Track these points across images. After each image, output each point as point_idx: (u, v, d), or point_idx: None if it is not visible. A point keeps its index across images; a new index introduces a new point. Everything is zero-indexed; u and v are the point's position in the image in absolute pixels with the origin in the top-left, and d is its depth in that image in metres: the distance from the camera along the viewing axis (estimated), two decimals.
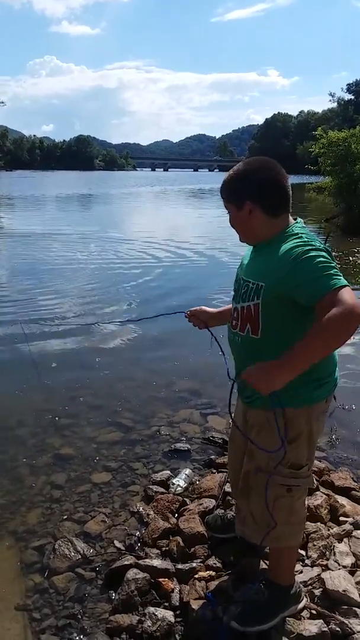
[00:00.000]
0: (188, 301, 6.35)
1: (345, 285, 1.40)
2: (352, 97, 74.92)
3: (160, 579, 2.06)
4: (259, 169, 1.67)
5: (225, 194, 1.73)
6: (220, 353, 2.00)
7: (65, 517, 2.54)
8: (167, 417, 3.60)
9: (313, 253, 1.48)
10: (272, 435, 1.67)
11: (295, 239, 1.57)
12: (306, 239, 1.56)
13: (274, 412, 1.65)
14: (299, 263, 1.48)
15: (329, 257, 1.49)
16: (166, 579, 2.07)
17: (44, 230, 14.08)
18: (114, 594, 2.04)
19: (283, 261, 1.53)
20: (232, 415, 1.95)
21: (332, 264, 1.46)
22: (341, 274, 1.44)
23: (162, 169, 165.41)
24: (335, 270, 1.45)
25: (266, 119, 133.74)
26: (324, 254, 1.49)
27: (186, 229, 15.69)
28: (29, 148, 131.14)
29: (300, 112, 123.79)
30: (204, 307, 2.14)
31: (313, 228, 15.49)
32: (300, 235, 1.59)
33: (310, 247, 1.50)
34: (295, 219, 1.70)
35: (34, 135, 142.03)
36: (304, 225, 1.69)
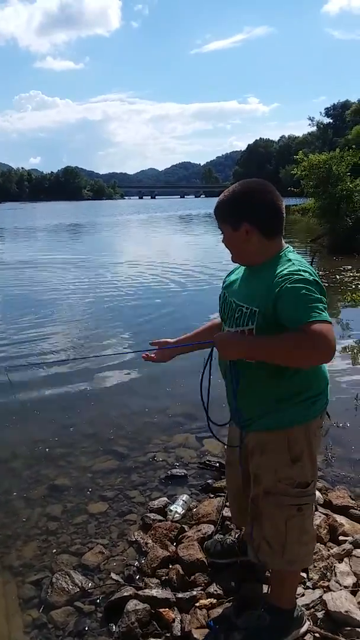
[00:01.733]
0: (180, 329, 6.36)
1: (326, 321, 1.42)
2: (331, 121, 77.18)
3: (161, 609, 2.02)
4: (256, 190, 1.67)
5: (222, 214, 1.72)
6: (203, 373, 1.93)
7: (62, 549, 2.50)
8: (163, 443, 3.58)
9: (302, 282, 1.49)
10: (277, 455, 1.69)
11: (288, 264, 1.59)
12: (299, 267, 1.56)
13: (277, 432, 1.67)
14: (287, 290, 1.49)
15: (317, 289, 1.50)
16: (167, 609, 2.03)
17: (32, 259, 14.15)
18: (114, 627, 1.99)
19: (274, 285, 1.54)
20: (227, 440, 1.96)
21: (319, 297, 1.47)
22: (325, 309, 1.46)
23: (149, 197, 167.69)
24: (321, 304, 1.46)
25: (248, 145, 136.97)
26: (312, 287, 1.49)
27: (179, 254, 15.83)
28: (17, 180, 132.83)
29: (281, 137, 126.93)
30: (162, 340, 2.10)
31: (299, 249, 15.74)
32: (293, 262, 1.60)
33: (300, 277, 1.51)
34: (286, 245, 1.72)
35: (22, 168, 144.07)
36: (293, 250, 1.70)
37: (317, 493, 2.45)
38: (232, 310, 1.73)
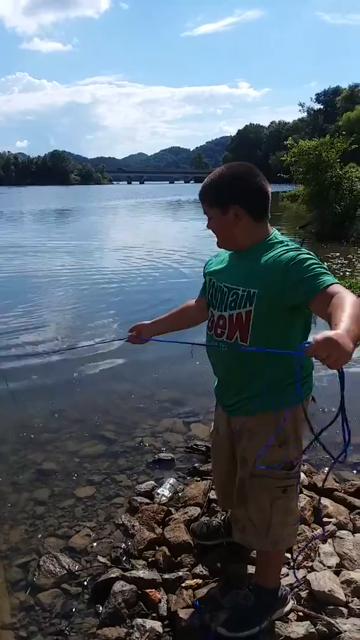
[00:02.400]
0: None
1: (338, 283, 1.45)
2: (322, 107, 76.88)
3: (148, 590, 2.05)
4: (244, 173, 1.67)
5: (209, 198, 1.69)
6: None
7: (49, 532, 2.51)
8: (150, 428, 3.59)
9: (304, 255, 1.53)
10: (265, 438, 1.68)
11: (282, 246, 1.62)
12: (293, 246, 1.61)
13: (264, 415, 1.68)
14: (294, 265, 1.51)
15: (318, 260, 1.54)
16: (153, 590, 2.06)
17: (17, 244, 13.98)
18: (101, 608, 2.01)
19: (275, 266, 1.55)
20: (213, 423, 1.97)
21: (323, 265, 1.52)
22: (331, 274, 1.50)
23: (138, 182, 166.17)
24: (327, 271, 1.50)
25: (239, 131, 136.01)
26: (313, 256, 1.55)
27: (169, 240, 15.75)
28: (4, 164, 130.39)
29: (271, 122, 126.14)
30: (142, 322, 2.09)
31: (288, 235, 15.75)
32: (286, 243, 1.64)
33: (300, 252, 1.55)
34: (274, 229, 1.74)
35: (8, 152, 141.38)
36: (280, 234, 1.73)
37: (302, 475, 2.49)
38: (223, 294, 1.72)
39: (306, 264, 1.50)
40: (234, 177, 1.66)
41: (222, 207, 1.66)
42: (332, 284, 1.44)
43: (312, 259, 1.53)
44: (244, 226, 1.66)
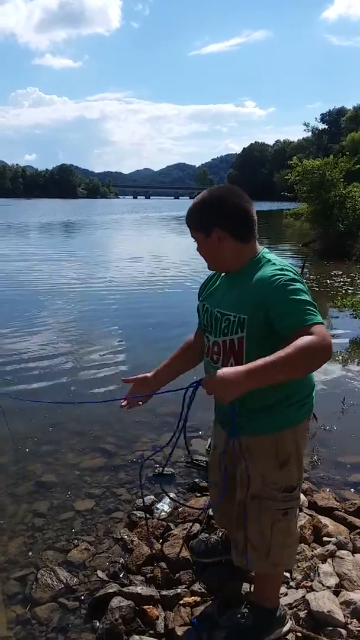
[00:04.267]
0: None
1: (320, 323, 1.44)
2: (326, 127, 77.76)
3: (145, 606, 2.03)
4: (224, 195, 1.66)
5: (192, 222, 1.71)
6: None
7: (47, 546, 2.50)
8: (151, 442, 3.59)
9: (291, 285, 1.50)
10: (265, 459, 1.69)
11: (270, 265, 1.60)
12: (281, 267, 1.58)
13: (265, 436, 1.67)
14: (278, 295, 1.49)
15: (303, 287, 1.51)
16: (151, 606, 2.04)
17: (23, 255, 14.09)
18: (97, 624, 2.00)
19: (262, 291, 1.54)
20: (211, 443, 1.94)
21: (308, 298, 1.49)
22: (316, 308, 1.48)
23: (144, 197, 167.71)
24: (312, 304, 1.48)
25: (244, 148, 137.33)
26: (300, 285, 1.51)
27: (174, 255, 15.84)
28: (12, 177, 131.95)
29: (276, 141, 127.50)
30: (139, 376, 1.96)
31: (292, 252, 15.84)
32: (274, 262, 1.61)
33: (287, 277, 1.52)
34: (262, 247, 1.71)
35: (17, 165, 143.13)
36: (269, 251, 1.70)
37: (302, 496, 2.47)
38: (216, 320, 1.71)
39: (291, 296, 1.48)
40: (213, 201, 1.66)
41: (205, 231, 1.66)
42: (313, 324, 1.42)
43: (298, 289, 1.49)
44: (230, 248, 1.65)
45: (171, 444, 1.86)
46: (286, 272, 1.55)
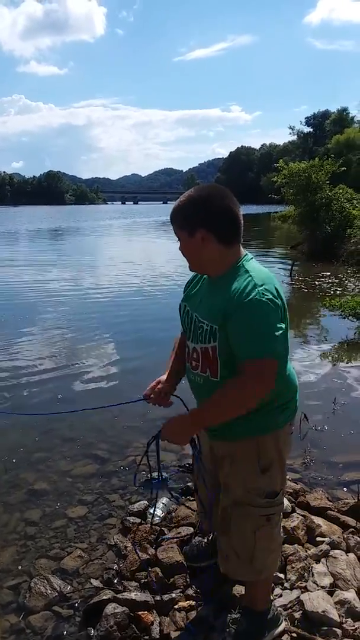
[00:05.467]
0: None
1: (268, 357, 1.45)
2: (311, 130, 78.47)
3: (140, 612, 2.02)
4: (212, 196, 1.61)
5: (177, 220, 1.65)
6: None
7: (40, 554, 2.48)
8: (143, 447, 3.55)
9: (255, 307, 1.46)
10: (246, 465, 1.67)
11: (246, 277, 1.53)
12: (255, 282, 1.51)
13: (246, 441, 1.66)
14: (239, 313, 1.47)
15: (271, 309, 1.47)
16: (146, 612, 2.03)
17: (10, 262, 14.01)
18: (92, 631, 1.98)
19: (229, 303, 1.51)
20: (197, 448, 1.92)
21: (271, 322, 1.46)
22: (276, 334, 1.46)
23: (132, 203, 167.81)
24: (270, 332, 1.46)
25: (231, 153, 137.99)
26: (267, 307, 1.46)
27: (163, 260, 15.85)
28: None
29: (262, 145, 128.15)
30: (159, 379, 1.95)
31: (280, 255, 15.94)
32: (250, 273, 1.54)
33: (256, 297, 1.46)
34: (245, 253, 1.67)
35: (4, 172, 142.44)
36: (252, 258, 1.65)
37: (285, 501, 2.44)
38: (194, 325, 1.69)
39: (250, 321, 1.46)
40: (201, 200, 1.60)
41: (189, 230, 1.61)
42: (256, 359, 1.46)
43: (263, 312, 1.46)
44: (212, 250, 1.60)
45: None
46: (258, 289, 1.48)
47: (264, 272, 1.59)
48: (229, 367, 1.57)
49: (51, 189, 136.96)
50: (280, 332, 1.48)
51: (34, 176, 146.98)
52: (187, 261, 1.71)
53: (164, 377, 1.94)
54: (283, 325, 1.51)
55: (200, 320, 1.66)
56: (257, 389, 1.48)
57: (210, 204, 1.59)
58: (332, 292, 9.21)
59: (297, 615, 1.98)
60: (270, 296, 1.49)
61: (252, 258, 1.65)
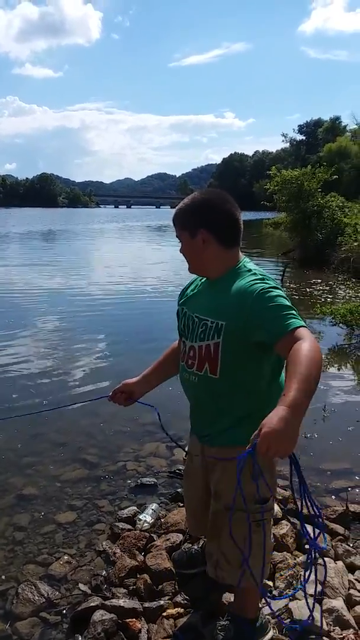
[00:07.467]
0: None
1: (303, 326, 1.45)
2: (304, 138, 79.11)
3: (128, 620, 2.01)
4: (214, 199, 1.68)
5: (180, 221, 1.71)
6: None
7: (28, 559, 2.46)
8: (133, 452, 3.57)
9: (271, 292, 1.51)
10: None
11: (250, 275, 1.60)
12: (261, 276, 1.59)
13: (238, 448, 1.66)
14: (259, 302, 1.50)
15: (283, 294, 1.54)
16: (134, 619, 2.02)
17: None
18: (80, 638, 1.97)
19: (242, 299, 1.54)
20: (187, 450, 1.93)
21: (289, 304, 1.50)
22: (298, 313, 1.49)
23: (125, 206, 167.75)
24: (293, 310, 1.49)
25: (224, 159, 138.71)
26: (280, 292, 1.53)
27: (155, 264, 15.86)
28: None
29: (255, 152, 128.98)
30: (126, 381, 2.05)
31: (271, 261, 16.03)
32: (254, 272, 1.62)
33: (267, 286, 1.53)
34: (243, 256, 1.73)
35: None
36: (250, 260, 1.72)
37: (275, 507, 2.46)
38: (194, 324, 1.71)
39: (272, 302, 1.49)
40: (204, 202, 1.67)
41: (191, 231, 1.67)
42: (298, 327, 1.43)
43: (278, 295, 1.51)
44: (213, 252, 1.66)
45: None
46: (266, 281, 1.57)
47: (264, 271, 1.65)
48: (228, 364, 1.60)
49: (44, 192, 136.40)
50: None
51: (27, 178, 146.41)
52: (187, 262, 1.76)
53: (134, 380, 2.02)
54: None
55: (202, 318, 1.68)
56: (316, 346, 1.37)
57: (213, 207, 1.66)
58: (323, 299, 9.29)
59: (285, 623, 1.98)
60: (278, 286, 1.57)
61: (250, 261, 1.71)
